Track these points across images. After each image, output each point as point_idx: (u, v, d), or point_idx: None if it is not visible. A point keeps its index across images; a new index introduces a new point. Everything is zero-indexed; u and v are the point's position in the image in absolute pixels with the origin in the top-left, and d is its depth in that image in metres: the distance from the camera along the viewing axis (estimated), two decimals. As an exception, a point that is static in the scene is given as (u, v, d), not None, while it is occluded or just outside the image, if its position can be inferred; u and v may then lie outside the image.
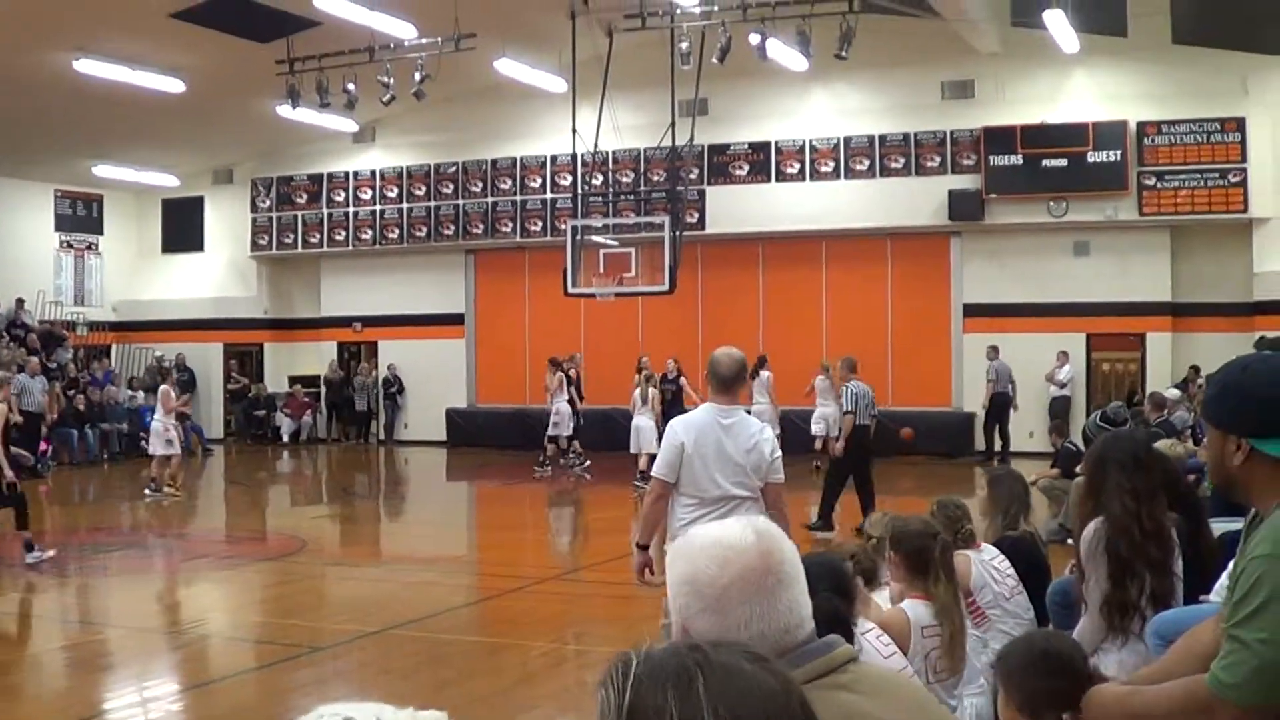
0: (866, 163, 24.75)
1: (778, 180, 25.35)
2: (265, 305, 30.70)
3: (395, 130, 27.86)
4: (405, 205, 28.44)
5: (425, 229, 28.26)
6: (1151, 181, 22.95)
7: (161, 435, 19.17)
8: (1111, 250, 23.66)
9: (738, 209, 25.44)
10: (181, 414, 27.70)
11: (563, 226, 24.13)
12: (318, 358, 30.29)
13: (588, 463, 22.66)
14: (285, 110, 22.68)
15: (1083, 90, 23.55)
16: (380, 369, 29.39)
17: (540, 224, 27.10)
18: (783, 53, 20.55)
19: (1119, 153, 22.91)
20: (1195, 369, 21.27)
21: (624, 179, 26.16)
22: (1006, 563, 6.06)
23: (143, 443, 26.79)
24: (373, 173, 28.78)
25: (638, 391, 21.18)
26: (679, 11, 20.52)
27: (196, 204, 30.74)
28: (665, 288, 21.64)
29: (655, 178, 25.51)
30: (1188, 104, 22.75)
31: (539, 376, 23.46)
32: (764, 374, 22.36)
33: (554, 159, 26.54)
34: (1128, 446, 5.23)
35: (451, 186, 28.02)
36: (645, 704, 1.45)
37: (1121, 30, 21.77)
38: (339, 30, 20.03)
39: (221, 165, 30.23)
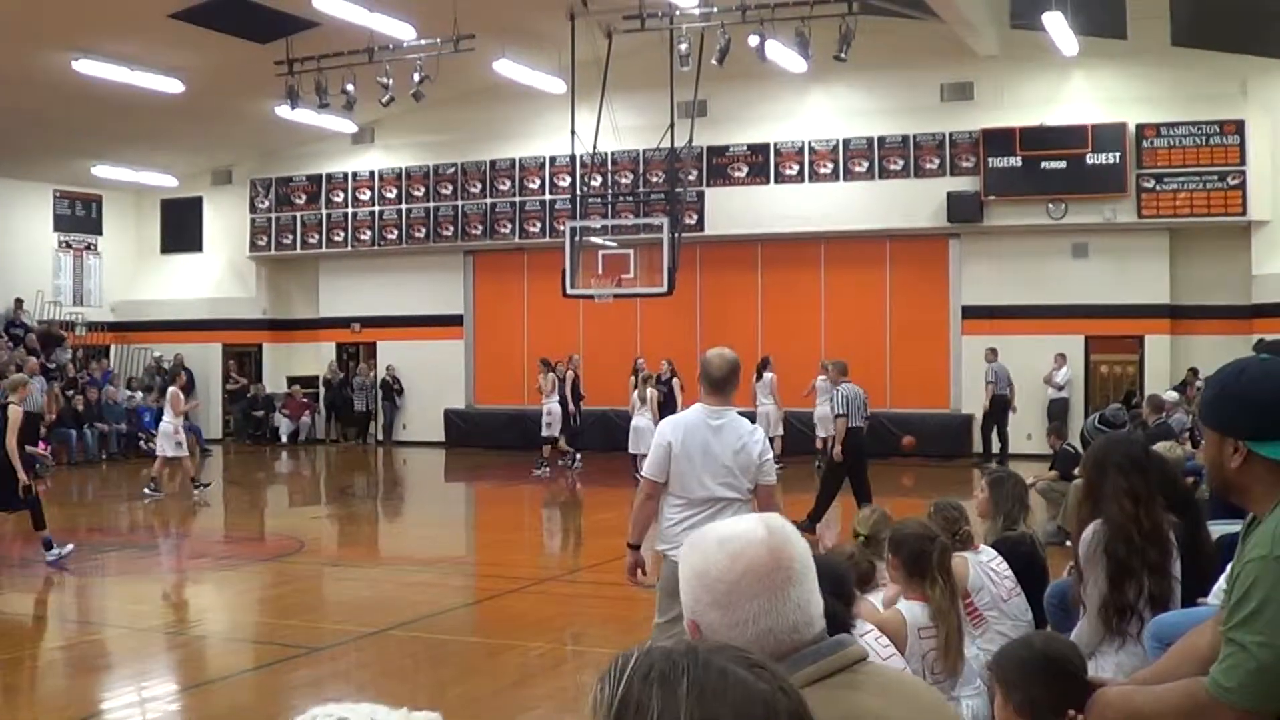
0: (865, 164, 24.76)
1: (776, 182, 25.35)
2: (264, 306, 30.70)
3: (394, 131, 27.86)
4: (404, 206, 28.44)
5: (424, 230, 28.26)
6: (1150, 184, 22.96)
7: (171, 437, 19.27)
8: (1110, 252, 23.68)
9: (736, 210, 25.45)
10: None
11: (561, 228, 24.14)
12: (316, 358, 30.29)
13: (578, 459, 22.68)
14: (284, 111, 22.68)
15: (1082, 92, 23.56)
16: (379, 370, 29.39)
17: (539, 225, 27.10)
18: (782, 54, 20.56)
19: (1118, 155, 22.92)
20: (1194, 371, 21.29)
21: (623, 180, 26.16)
22: (1005, 564, 6.06)
23: (141, 443, 26.93)
24: (371, 173, 28.78)
25: (636, 392, 21.23)
26: (678, 13, 20.52)
27: (195, 204, 30.74)
28: (664, 289, 21.67)
29: (654, 179, 25.52)
30: (1187, 107, 22.77)
31: (537, 378, 23.48)
32: (767, 375, 22.44)
33: (553, 160, 26.55)
34: (1126, 449, 5.24)
35: (450, 187, 28.02)
36: (632, 699, 1.47)
37: (1121, 33, 21.80)
38: (338, 31, 20.05)
39: (220, 166, 30.23)
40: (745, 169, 25.61)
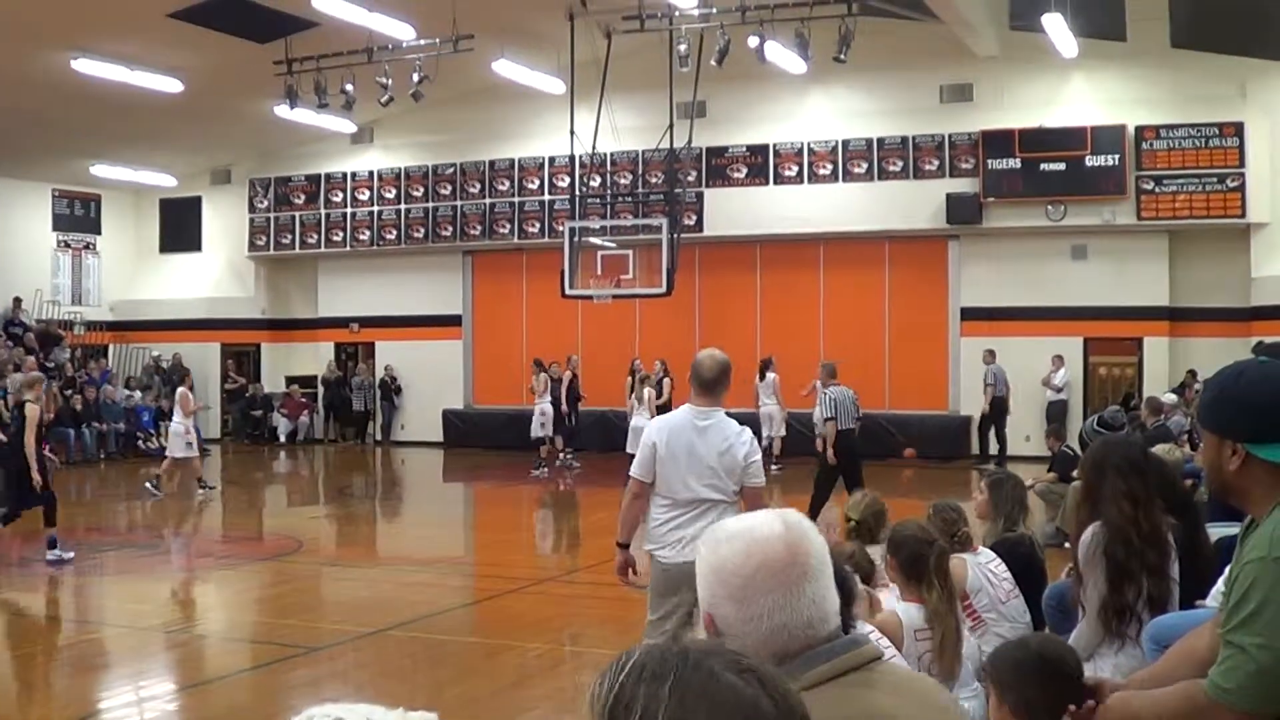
0: (864, 166, 24.76)
1: (776, 183, 25.35)
2: (263, 305, 30.70)
3: (393, 131, 27.86)
4: (403, 206, 28.43)
5: (423, 230, 28.25)
6: (1150, 186, 22.96)
7: (182, 437, 19.33)
8: (1109, 254, 23.68)
9: (736, 211, 25.44)
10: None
11: (560, 228, 24.13)
12: (315, 358, 30.29)
13: (569, 459, 22.64)
14: (283, 111, 22.67)
15: (1081, 94, 23.57)
16: (377, 370, 29.38)
17: (538, 225, 27.10)
18: (781, 55, 20.56)
19: (1117, 157, 22.92)
20: (1192, 373, 21.30)
21: (622, 181, 26.16)
22: (1003, 566, 6.06)
23: (140, 442, 26.97)
24: (370, 173, 28.78)
25: (634, 393, 21.30)
26: (677, 14, 20.51)
27: (194, 204, 30.73)
28: (663, 290, 21.67)
29: (653, 180, 25.52)
30: (1186, 109, 22.78)
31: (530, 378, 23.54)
32: (770, 376, 22.48)
33: (552, 160, 26.55)
34: (1125, 451, 5.24)
35: (449, 187, 28.01)
36: (623, 695, 1.49)
37: (1120, 34, 21.79)
38: (337, 31, 20.04)
39: (219, 165, 30.22)
40: (744, 170, 25.61)
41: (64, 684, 8.99)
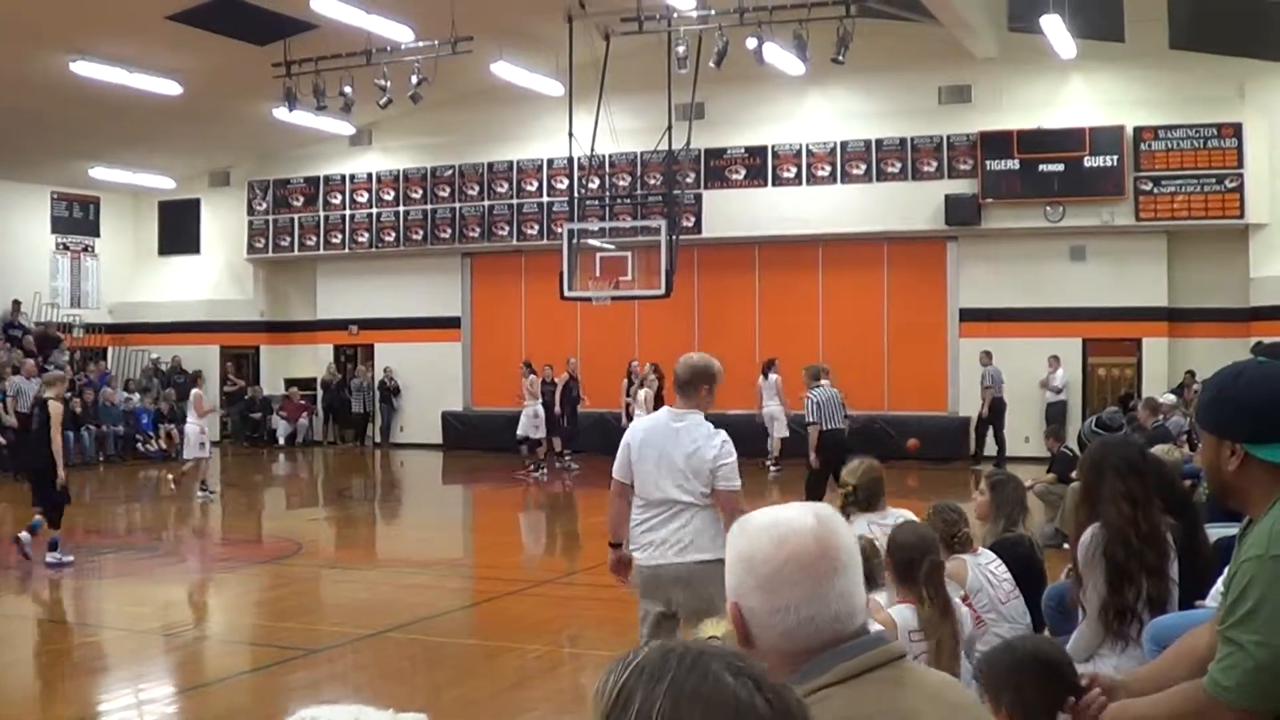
0: (863, 167, 24.77)
1: (774, 184, 25.35)
2: (261, 308, 30.69)
3: (392, 133, 27.86)
4: (402, 208, 28.43)
5: (422, 232, 28.25)
6: (1148, 187, 22.97)
7: (196, 438, 19.48)
8: (1108, 255, 23.69)
9: (734, 213, 25.44)
10: (174, 417, 27.87)
11: (559, 230, 24.13)
12: (314, 360, 30.28)
13: (537, 470, 22.59)
14: (282, 113, 22.67)
15: (1080, 95, 23.58)
16: (376, 372, 29.38)
17: (537, 227, 27.10)
18: (780, 57, 20.56)
19: (1116, 158, 22.93)
20: (1191, 374, 21.31)
21: (620, 183, 26.17)
22: (1003, 567, 6.06)
23: (139, 445, 26.95)
24: (369, 175, 28.77)
25: (642, 393, 21.39)
26: (676, 15, 20.52)
27: (193, 206, 30.73)
28: (661, 291, 21.68)
29: (652, 181, 25.52)
30: (1184, 109, 22.79)
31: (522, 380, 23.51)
32: (773, 376, 22.53)
33: (550, 162, 26.54)
34: (1123, 452, 5.24)
35: (448, 189, 28.01)
36: (623, 693, 1.51)
37: (1119, 36, 21.80)
38: (336, 33, 20.04)
39: (218, 168, 30.21)
40: (743, 171, 25.61)
41: (63, 686, 8.99)
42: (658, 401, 21.33)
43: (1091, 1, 20.25)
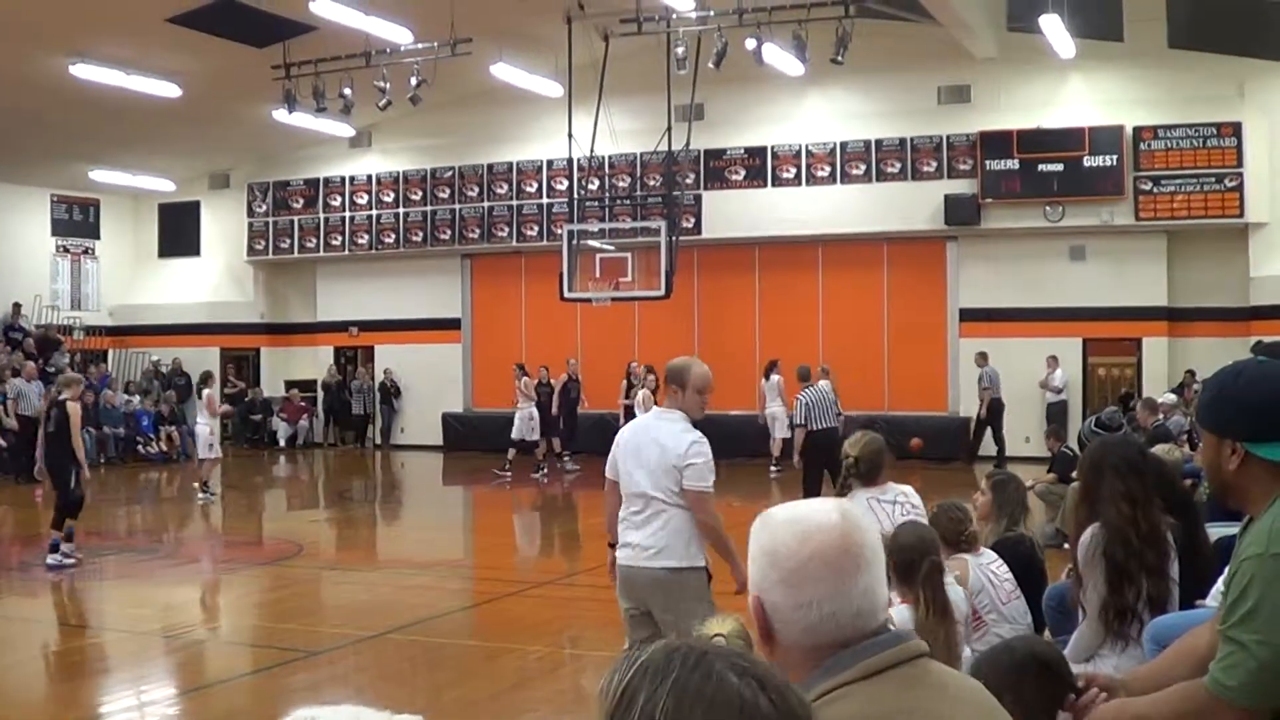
0: (863, 167, 24.77)
1: (774, 185, 25.35)
2: (262, 310, 30.70)
3: (392, 135, 27.87)
4: (401, 210, 28.44)
5: (421, 234, 28.25)
6: (1148, 186, 22.97)
7: (206, 439, 19.57)
8: (1108, 255, 23.69)
9: (734, 214, 25.44)
10: (175, 419, 27.90)
11: (559, 231, 24.13)
12: (314, 362, 30.29)
13: (508, 474, 22.46)
14: (281, 115, 22.66)
15: (1079, 95, 23.58)
16: (377, 373, 29.39)
17: (536, 229, 27.10)
18: (779, 58, 20.56)
19: (1115, 157, 22.93)
20: (1191, 373, 21.30)
21: (620, 184, 26.18)
22: (1005, 567, 6.06)
23: (139, 447, 26.93)
24: (369, 177, 28.78)
25: (639, 394, 21.40)
26: (675, 16, 20.52)
27: (193, 208, 30.73)
28: (661, 292, 21.69)
29: (651, 182, 25.53)
30: (1184, 109, 22.79)
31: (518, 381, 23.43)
32: (775, 377, 22.53)
33: (550, 164, 26.55)
34: (1123, 452, 5.23)
35: (448, 191, 28.02)
36: (630, 688, 1.53)
37: (1118, 35, 21.79)
38: (335, 35, 20.04)
39: (218, 170, 30.22)
40: (742, 172, 25.62)
41: (64, 688, 8.99)
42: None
43: (1090, 1, 20.25)
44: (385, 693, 8.30)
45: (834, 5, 19.40)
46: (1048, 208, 23.45)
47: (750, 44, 19.87)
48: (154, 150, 27.29)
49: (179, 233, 30.86)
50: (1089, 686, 3.26)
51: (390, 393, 29.13)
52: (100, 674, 9.35)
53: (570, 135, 22.24)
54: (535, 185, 27.20)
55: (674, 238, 22.05)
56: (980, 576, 5.91)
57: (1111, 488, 4.99)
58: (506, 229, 27.46)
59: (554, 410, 23.94)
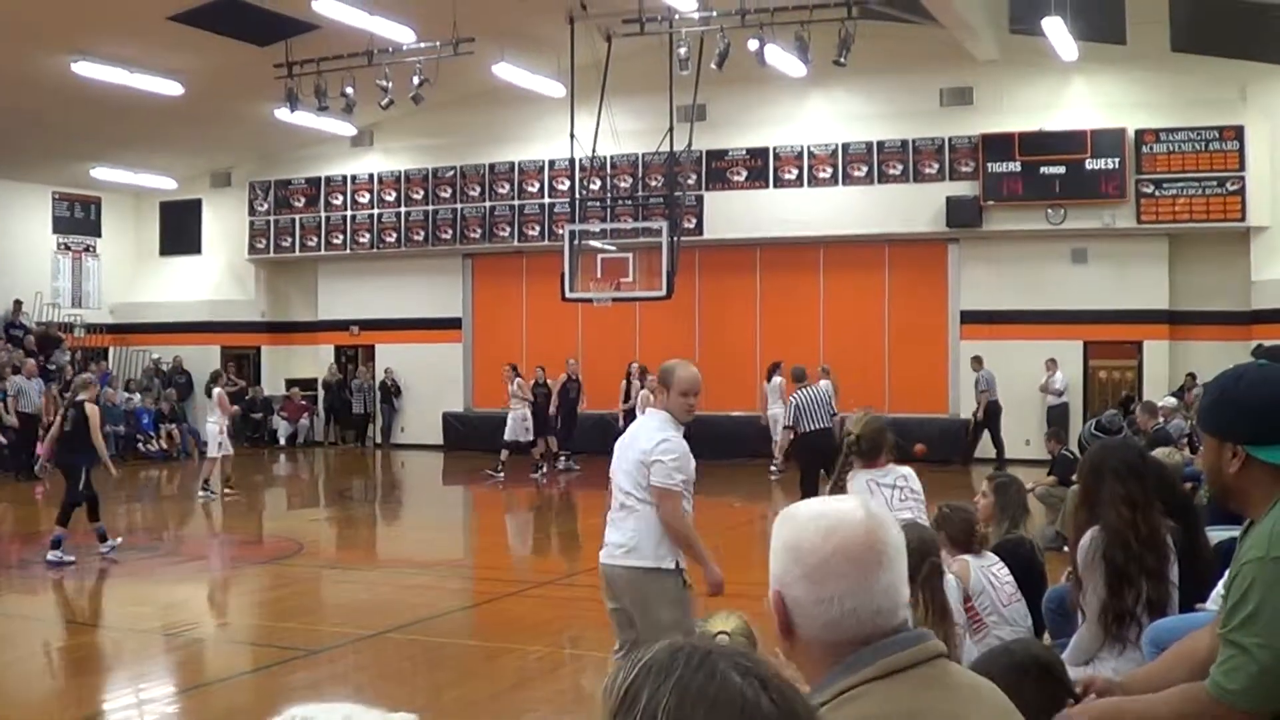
0: (864, 169, 24.77)
1: (776, 186, 25.36)
2: (263, 308, 30.70)
3: (393, 134, 27.87)
4: (403, 209, 28.45)
5: (423, 233, 28.26)
6: (1150, 189, 22.97)
7: (216, 437, 19.65)
8: (1109, 258, 23.70)
9: (736, 215, 25.45)
10: (175, 417, 27.91)
11: (560, 231, 24.14)
12: (315, 361, 30.29)
13: (500, 475, 22.34)
14: (283, 114, 22.66)
15: (1081, 98, 23.59)
16: (377, 372, 29.39)
17: (538, 229, 27.11)
18: (781, 59, 20.56)
19: (1117, 160, 22.94)
20: (1192, 376, 21.31)
21: (622, 184, 26.18)
22: (1006, 570, 6.06)
23: (140, 445, 26.94)
24: (370, 176, 28.79)
25: (640, 395, 21.44)
26: (678, 17, 20.52)
27: (194, 207, 30.73)
28: (663, 293, 21.69)
29: (653, 183, 25.53)
30: (1186, 112, 22.79)
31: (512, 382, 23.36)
32: (776, 379, 22.56)
33: (552, 164, 26.55)
34: (1122, 455, 5.24)
35: (449, 190, 28.02)
36: (634, 687, 1.53)
37: (1120, 38, 21.78)
38: (337, 34, 20.03)
39: (219, 168, 30.22)
40: (744, 173, 25.62)
41: (64, 686, 9.00)
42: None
43: (1093, 4, 20.24)
44: (385, 692, 8.30)
45: (836, 7, 19.41)
46: (1049, 210, 23.45)
47: (752, 45, 19.86)
48: (155, 148, 27.29)
49: (180, 231, 30.86)
50: (1087, 691, 3.26)
51: (391, 392, 29.14)
52: (100, 671, 9.35)
53: (572, 135, 22.24)
54: (537, 185, 27.21)
55: (675, 238, 22.05)
56: (981, 578, 5.91)
57: (1111, 491, 5.00)
58: (508, 229, 27.47)
59: (553, 410, 23.94)
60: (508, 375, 23.16)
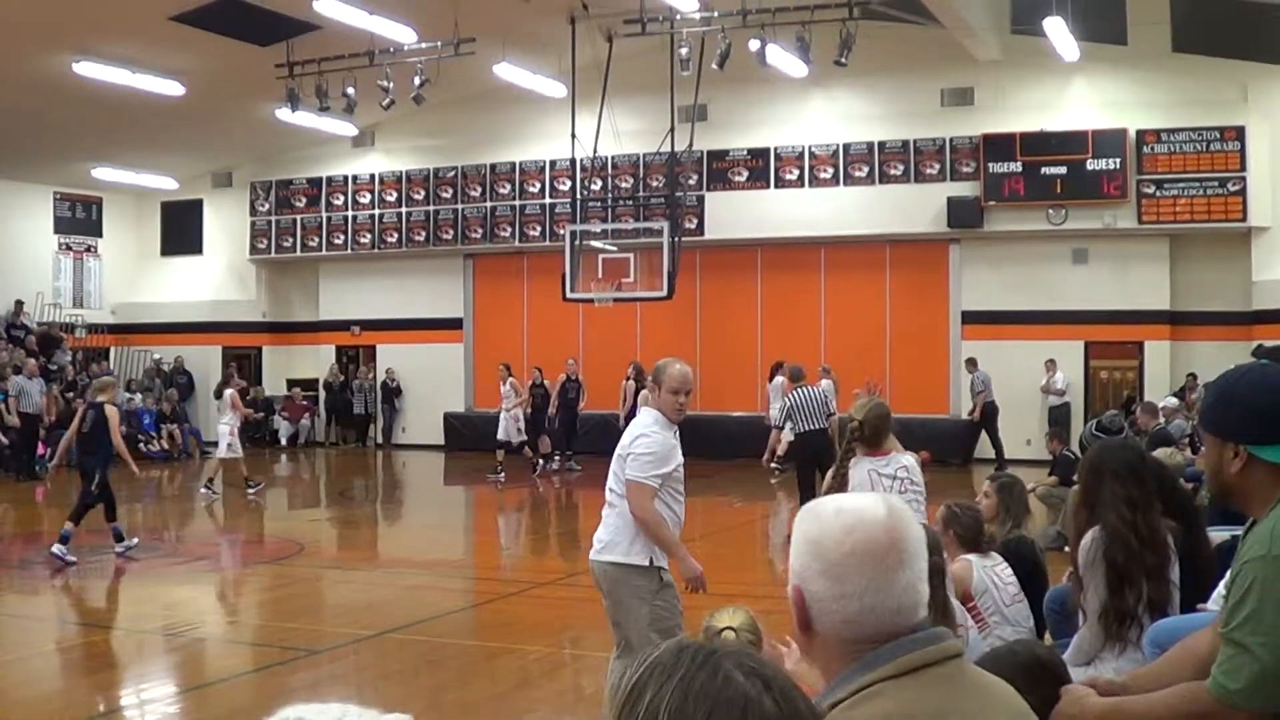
0: (866, 169, 24.77)
1: (777, 186, 25.36)
2: (264, 309, 30.72)
3: (394, 134, 27.88)
4: (404, 209, 28.46)
5: (424, 233, 28.27)
6: (1151, 190, 22.97)
7: (226, 438, 19.84)
8: (1110, 258, 23.69)
9: (737, 215, 25.45)
10: (177, 417, 27.91)
11: (561, 231, 24.15)
12: (316, 361, 30.30)
13: (502, 475, 22.32)
14: (284, 114, 22.67)
15: (1082, 98, 23.58)
16: (379, 373, 29.40)
17: (539, 229, 27.11)
18: (782, 59, 20.57)
19: (1118, 161, 22.93)
20: (1193, 377, 21.30)
21: (623, 184, 26.18)
22: (1009, 570, 6.06)
23: (141, 445, 26.89)
24: (372, 176, 28.79)
25: (642, 395, 21.41)
26: (679, 17, 20.53)
27: (195, 207, 30.75)
28: (664, 293, 21.70)
29: (654, 183, 25.53)
30: (1187, 112, 22.78)
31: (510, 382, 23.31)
32: (779, 379, 22.52)
33: (553, 164, 26.56)
34: (1123, 455, 5.23)
35: (450, 191, 28.03)
36: (639, 685, 1.55)
37: (1121, 38, 21.81)
38: (338, 34, 20.05)
39: (221, 168, 30.23)
40: (745, 173, 25.62)
41: (65, 686, 9.00)
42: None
43: (1094, 4, 20.26)
44: (385, 692, 8.30)
45: (838, 7, 19.42)
46: (1050, 211, 23.44)
47: (754, 45, 19.87)
48: (157, 148, 27.31)
49: (181, 231, 30.87)
50: (1093, 686, 3.25)
51: (392, 392, 29.15)
52: (101, 672, 9.35)
53: (573, 135, 22.25)
54: (538, 185, 27.21)
55: (676, 239, 22.06)
56: (985, 578, 5.91)
57: (1111, 491, 4.99)
58: (509, 229, 27.47)
59: (552, 411, 23.93)
60: (501, 375, 23.13)
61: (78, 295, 30.33)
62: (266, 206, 29.78)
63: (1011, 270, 24.25)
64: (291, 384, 30.52)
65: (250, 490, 19.91)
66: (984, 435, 23.40)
